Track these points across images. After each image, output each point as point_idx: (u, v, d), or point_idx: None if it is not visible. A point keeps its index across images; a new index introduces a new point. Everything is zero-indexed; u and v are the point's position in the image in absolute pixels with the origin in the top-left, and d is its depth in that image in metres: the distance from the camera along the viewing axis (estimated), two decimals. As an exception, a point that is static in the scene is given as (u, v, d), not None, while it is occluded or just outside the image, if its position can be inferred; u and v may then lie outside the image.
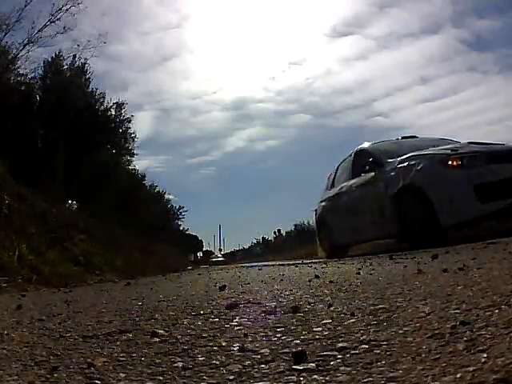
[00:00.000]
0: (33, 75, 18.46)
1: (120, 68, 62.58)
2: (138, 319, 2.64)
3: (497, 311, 1.70)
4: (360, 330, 1.79)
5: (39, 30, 17.00)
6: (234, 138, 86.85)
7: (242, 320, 2.31)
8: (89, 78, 20.48)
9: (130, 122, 21.80)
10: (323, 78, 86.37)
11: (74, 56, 19.47)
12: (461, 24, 76.45)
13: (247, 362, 1.50)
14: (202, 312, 2.72)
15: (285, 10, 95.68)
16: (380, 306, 2.26)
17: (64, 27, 17.32)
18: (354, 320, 2.00)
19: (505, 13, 69.89)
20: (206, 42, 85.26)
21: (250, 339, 1.84)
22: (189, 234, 51.45)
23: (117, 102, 21.37)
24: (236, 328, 2.13)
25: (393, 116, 79.30)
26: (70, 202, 18.87)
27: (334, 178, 11.87)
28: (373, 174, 8.95)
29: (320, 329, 1.90)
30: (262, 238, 65.11)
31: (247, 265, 19.73)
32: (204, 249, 64.50)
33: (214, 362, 1.55)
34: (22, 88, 18.24)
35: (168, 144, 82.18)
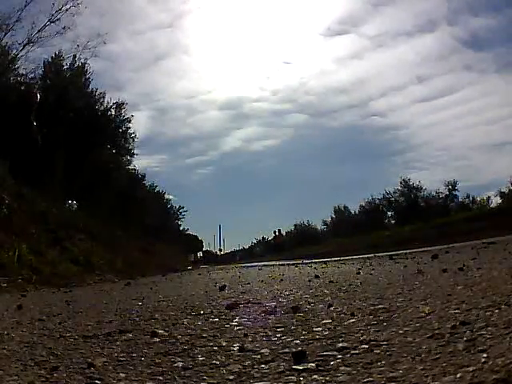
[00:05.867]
0: (33, 75, 18.47)
1: (114, 68, 62.50)
2: (137, 319, 2.64)
3: (497, 311, 1.70)
4: (360, 329, 1.79)
5: (39, 30, 17.00)
6: (230, 138, 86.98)
7: (242, 320, 2.31)
8: (89, 78, 20.50)
9: (129, 122, 21.81)
10: (318, 77, 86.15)
11: (74, 56, 19.48)
12: (456, 22, 76.22)
13: (247, 362, 1.50)
14: (202, 312, 2.72)
15: (279, 9, 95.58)
16: (380, 306, 2.26)
17: (64, 27, 17.31)
18: (354, 320, 2.00)
19: (501, 10, 69.90)
20: (200, 42, 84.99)
21: (249, 339, 1.84)
22: (189, 234, 51.53)
23: (116, 102, 21.37)
24: (236, 328, 2.13)
25: (389, 115, 79.06)
26: (69, 201, 18.86)
27: None
28: None
29: (320, 329, 1.90)
30: (262, 237, 65.25)
31: (247, 265, 19.73)
32: (204, 249, 64.62)
33: (214, 361, 1.55)
34: (22, 88, 18.23)
35: (164, 144, 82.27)
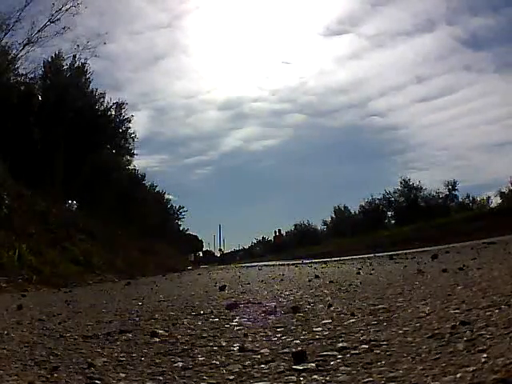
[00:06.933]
0: (33, 75, 18.46)
1: (113, 68, 62.27)
2: (138, 319, 2.65)
3: (497, 311, 1.70)
4: (360, 329, 1.79)
5: (39, 30, 16.95)
6: (230, 138, 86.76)
7: (242, 320, 2.32)
8: (88, 78, 20.49)
9: (129, 122, 21.78)
10: (317, 77, 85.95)
11: (74, 56, 19.46)
12: (455, 22, 75.74)
13: (247, 362, 1.50)
14: (202, 312, 2.72)
15: (278, 9, 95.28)
16: (380, 306, 2.27)
17: (63, 27, 17.28)
18: (354, 320, 2.00)
19: (500, 10, 69.74)
20: (199, 42, 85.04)
21: (250, 339, 1.84)
22: (189, 234, 51.51)
23: (116, 102, 21.35)
24: (236, 328, 2.13)
25: (389, 115, 78.38)
26: (69, 201, 18.86)
27: None
28: None
29: (320, 329, 1.90)
30: (262, 237, 65.23)
31: (247, 265, 19.74)
32: (204, 249, 64.64)
33: (214, 362, 1.55)
34: (22, 88, 18.22)
35: (164, 144, 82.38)
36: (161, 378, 1.42)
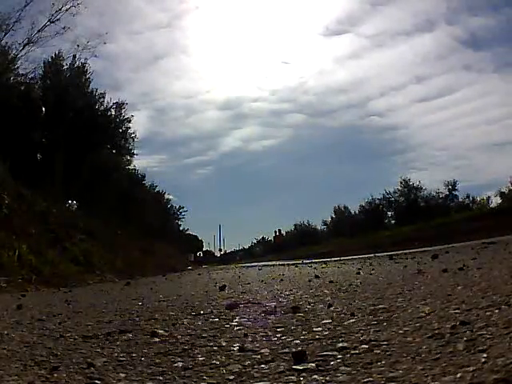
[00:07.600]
0: (33, 75, 18.45)
1: (113, 68, 62.16)
2: (138, 319, 2.64)
3: (497, 311, 1.70)
4: (360, 329, 1.79)
5: (39, 30, 16.94)
6: (229, 138, 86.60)
7: (242, 320, 2.32)
8: (88, 78, 20.49)
9: (129, 122, 21.76)
10: (317, 77, 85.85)
11: (74, 56, 19.46)
12: (455, 21, 75.70)
13: (247, 362, 1.50)
14: (202, 312, 2.72)
15: (278, 9, 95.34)
16: (380, 306, 2.27)
17: (63, 27, 17.27)
18: (353, 320, 2.00)
19: (499, 10, 69.81)
20: (198, 41, 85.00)
21: (250, 339, 1.84)
22: (189, 234, 51.53)
23: (116, 102, 21.33)
24: (236, 328, 2.13)
25: (389, 115, 78.17)
26: (69, 201, 18.86)
27: None
28: None
29: (320, 329, 1.90)
30: (262, 237, 65.28)
31: (247, 265, 19.74)
32: (204, 249, 64.72)
33: (214, 362, 1.55)
34: (22, 88, 18.22)
35: (163, 144, 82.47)
36: (161, 378, 1.42)
